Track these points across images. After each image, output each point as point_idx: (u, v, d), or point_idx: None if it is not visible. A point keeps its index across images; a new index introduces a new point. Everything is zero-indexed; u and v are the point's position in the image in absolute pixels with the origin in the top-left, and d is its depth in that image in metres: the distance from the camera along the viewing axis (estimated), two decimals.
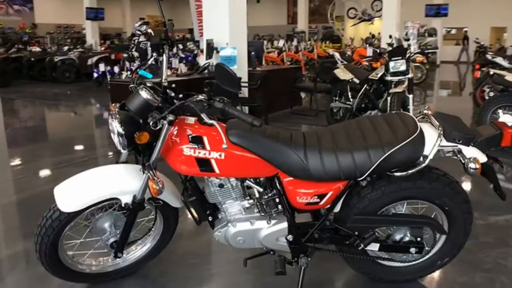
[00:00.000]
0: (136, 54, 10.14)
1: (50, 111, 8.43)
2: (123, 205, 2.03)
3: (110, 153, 5.02)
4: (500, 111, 4.85)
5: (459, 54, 20.06)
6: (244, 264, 2.16)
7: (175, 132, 1.90)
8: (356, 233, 2.03)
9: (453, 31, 21.29)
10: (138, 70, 2.06)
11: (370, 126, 2.00)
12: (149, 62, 2.16)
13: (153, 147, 1.89)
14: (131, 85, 1.99)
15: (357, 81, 5.61)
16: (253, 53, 6.85)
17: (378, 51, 6.87)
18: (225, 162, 1.88)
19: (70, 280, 2.21)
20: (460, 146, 1.89)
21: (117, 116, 1.84)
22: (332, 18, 19.69)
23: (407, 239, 2.09)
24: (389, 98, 5.06)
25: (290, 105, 7.72)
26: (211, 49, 6.04)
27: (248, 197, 2.05)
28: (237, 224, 2.04)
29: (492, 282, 2.29)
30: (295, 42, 14.70)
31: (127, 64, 10.20)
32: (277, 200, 2.01)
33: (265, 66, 8.84)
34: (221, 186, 2.00)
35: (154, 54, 2.06)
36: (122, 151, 1.93)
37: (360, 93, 5.50)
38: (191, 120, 1.94)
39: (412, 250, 2.07)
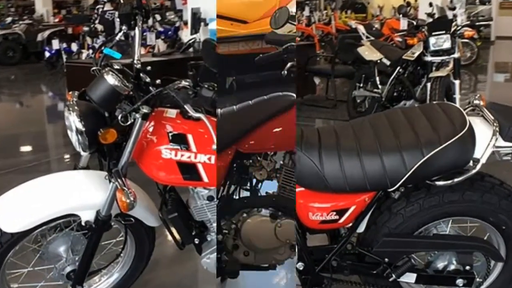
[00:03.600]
0: (100, 27, 10.17)
1: None
2: (83, 224, 2.03)
3: (67, 156, 5.02)
4: None
5: None
6: None
7: (150, 129, 1.91)
8: (386, 259, 2.03)
9: None
10: (102, 48, 2.07)
11: (404, 121, 2.00)
12: (117, 38, 2.16)
13: (123, 148, 1.89)
14: (94, 68, 1.99)
15: (387, 62, 5.61)
16: None
17: (415, 23, 6.88)
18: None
19: None
20: None
21: (76, 108, 1.84)
22: None
23: (452, 267, 2.09)
24: (428, 85, 5.06)
25: (301, 93, 7.73)
26: (198, 21, 6.04)
27: None
28: None
29: None
30: (306, 12, 14.70)
31: (89, 40, 10.24)
32: None
33: None
34: (210, 198, 2.00)
35: (124, 27, 2.06)
36: (82, 153, 1.94)
37: (392, 78, 5.51)
38: (172, 113, 1.95)
39: (459, 282, 2.07)
